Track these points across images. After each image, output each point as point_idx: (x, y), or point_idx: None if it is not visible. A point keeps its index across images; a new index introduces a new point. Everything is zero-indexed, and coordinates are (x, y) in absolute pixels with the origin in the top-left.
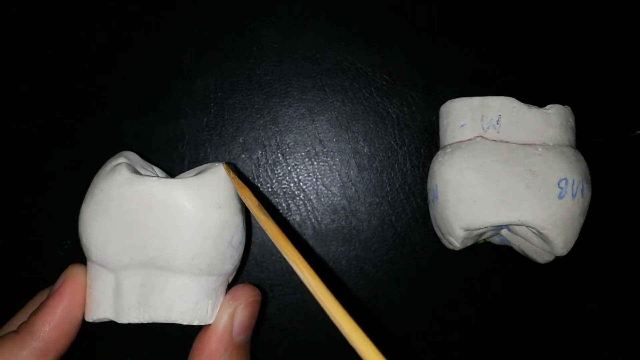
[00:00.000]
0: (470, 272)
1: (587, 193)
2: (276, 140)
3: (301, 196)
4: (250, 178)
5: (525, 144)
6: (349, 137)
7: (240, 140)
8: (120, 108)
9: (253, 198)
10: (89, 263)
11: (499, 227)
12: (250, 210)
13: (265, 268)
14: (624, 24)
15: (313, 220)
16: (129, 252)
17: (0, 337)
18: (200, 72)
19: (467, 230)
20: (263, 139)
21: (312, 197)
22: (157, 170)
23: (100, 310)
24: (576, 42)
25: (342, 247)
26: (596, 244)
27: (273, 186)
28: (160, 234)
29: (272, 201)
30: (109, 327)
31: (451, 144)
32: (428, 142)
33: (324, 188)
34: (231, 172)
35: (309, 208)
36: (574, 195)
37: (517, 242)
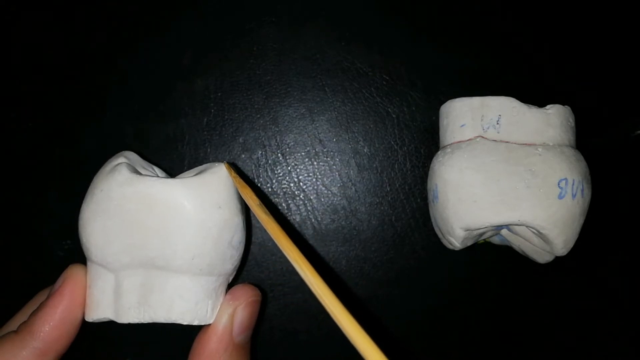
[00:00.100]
0: (470, 272)
1: (587, 193)
2: (276, 140)
3: (301, 196)
4: (250, 178)
5: (525, 144)
6: (349, 137)
7: (240, 140)
8: (120, 108)
9: (254, 197)
10: (89, 263)
11: (499, 227)
12: (251, 209)
13: (265, 268)
14: (624, 24)
15: (313, 220)
16: (129, 252)
17: (0, 337)
18: (200, 72)
19: (467, 230)
20: (263, 139)
21: (312, 197)
22: (157, 170)
23: (100, 310)
24: (576, 42)
25: (342, 247)
26: (596, 244)
27: (273, 186)
28: (160, 234)
29: (272, 201)
30: (109, 327)
31: (451, 144)
32: (428, 142)
33: (324, 188)
34: (232, 171)
35: (309, 208)
36: (574, 195)
37: (517, 242)
